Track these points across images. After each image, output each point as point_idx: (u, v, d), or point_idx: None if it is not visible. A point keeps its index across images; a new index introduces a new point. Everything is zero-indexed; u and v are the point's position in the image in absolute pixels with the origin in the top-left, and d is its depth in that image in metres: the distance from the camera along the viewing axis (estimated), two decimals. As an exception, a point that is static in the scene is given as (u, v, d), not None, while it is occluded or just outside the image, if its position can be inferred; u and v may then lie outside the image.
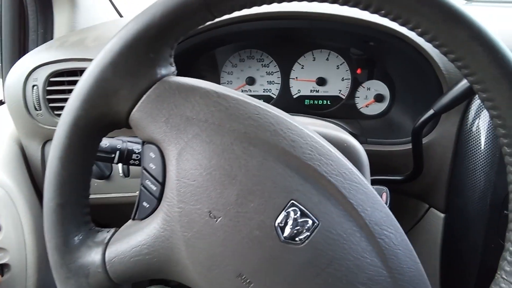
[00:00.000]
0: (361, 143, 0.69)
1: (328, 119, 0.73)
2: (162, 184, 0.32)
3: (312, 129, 0.33)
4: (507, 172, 0.31)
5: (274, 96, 0.78)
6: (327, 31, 0.67)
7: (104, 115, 0.31)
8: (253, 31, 0.67)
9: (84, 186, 0.33)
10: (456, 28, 0.28)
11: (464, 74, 0.30)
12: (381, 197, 0.53)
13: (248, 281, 0.30)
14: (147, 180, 0.33)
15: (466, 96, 0.50)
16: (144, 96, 0.31)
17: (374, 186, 0.53)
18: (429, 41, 0.29)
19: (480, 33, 0.28)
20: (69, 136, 0.31)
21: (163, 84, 0.31)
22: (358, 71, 0.75)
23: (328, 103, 0.77)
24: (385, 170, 0.67)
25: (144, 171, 0.33)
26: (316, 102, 0.77)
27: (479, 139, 0.57)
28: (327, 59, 0.75)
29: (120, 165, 0.64)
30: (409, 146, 0.62)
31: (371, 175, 0.65)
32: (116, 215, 0.62)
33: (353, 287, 0.30)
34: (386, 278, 0.30)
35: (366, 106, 0.76)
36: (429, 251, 0.70)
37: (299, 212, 0.30)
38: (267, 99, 0.78)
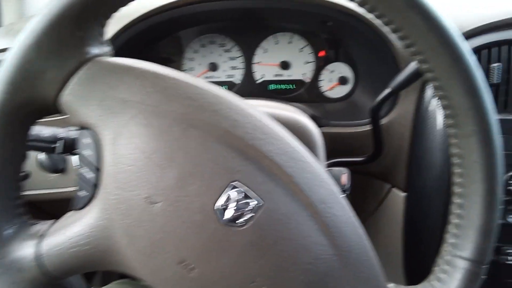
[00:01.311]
0: (323, 125, 0.69)
1: (292, 103, 0.72)
2: (99, 171, 0.31)
3: (262, 110, 0.32)
4: (449, 144, 0.31)
5: (238, 82, 0.76)
6: (284, 11, 0.66)
7: (31, 100, 0.29)
8: (210, 12, 0.65)
9: (14, 176, 0.31)
10: None
11: (405, 45, 0.29)
12: (341, 178, 0.53)
13: (191, 266, 0.29)
14: (83, 168, 0.31)
15: (420, 73, 0.50)
16: (74, 78, 0.29)
17: (335, 168, 0.53)
18: (369, 11, 0.29)
19: (416, 2, 0.27)
20: None
21: (94, 64, 0.30)
22: (322, 53, 0.74)
23: (293, 87, 0.76)
24: (349, 152, 0.67)
25: (80, 158, 0.31)
26: (280, 86, 0.76)
27: (436, 117, 0.58)
28: (290, 42, 0.74)
29: (75, 157, 0.62)
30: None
31: (334, 157, 0.65)
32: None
33: (299, 267, 0.29)
34: (333, 256, 0.30)
35: (330, 89, 0.75)
36: (392, 230, 0.71)
37: (242, 193, 0.29)
38: (230, 85, 0.76)
